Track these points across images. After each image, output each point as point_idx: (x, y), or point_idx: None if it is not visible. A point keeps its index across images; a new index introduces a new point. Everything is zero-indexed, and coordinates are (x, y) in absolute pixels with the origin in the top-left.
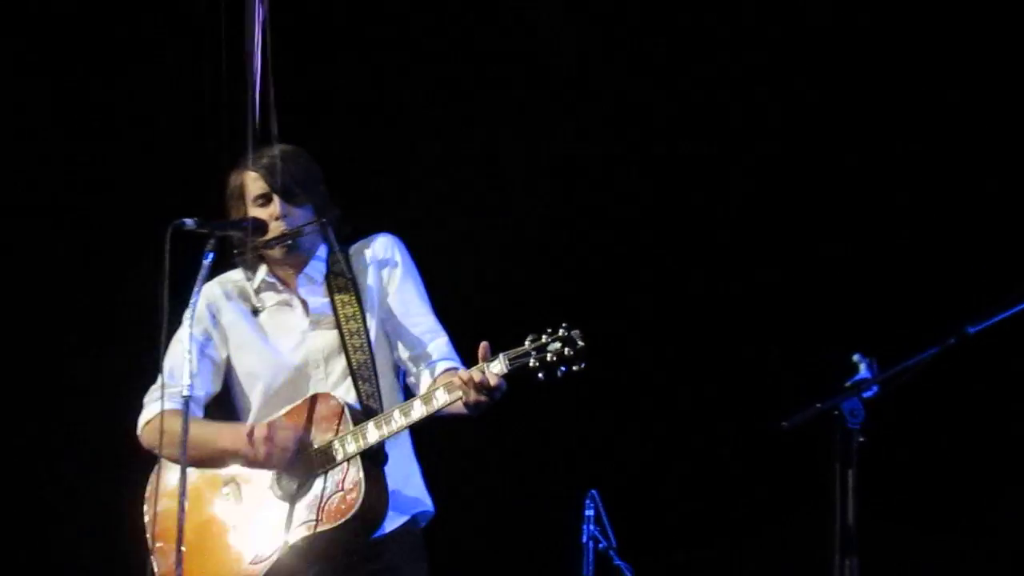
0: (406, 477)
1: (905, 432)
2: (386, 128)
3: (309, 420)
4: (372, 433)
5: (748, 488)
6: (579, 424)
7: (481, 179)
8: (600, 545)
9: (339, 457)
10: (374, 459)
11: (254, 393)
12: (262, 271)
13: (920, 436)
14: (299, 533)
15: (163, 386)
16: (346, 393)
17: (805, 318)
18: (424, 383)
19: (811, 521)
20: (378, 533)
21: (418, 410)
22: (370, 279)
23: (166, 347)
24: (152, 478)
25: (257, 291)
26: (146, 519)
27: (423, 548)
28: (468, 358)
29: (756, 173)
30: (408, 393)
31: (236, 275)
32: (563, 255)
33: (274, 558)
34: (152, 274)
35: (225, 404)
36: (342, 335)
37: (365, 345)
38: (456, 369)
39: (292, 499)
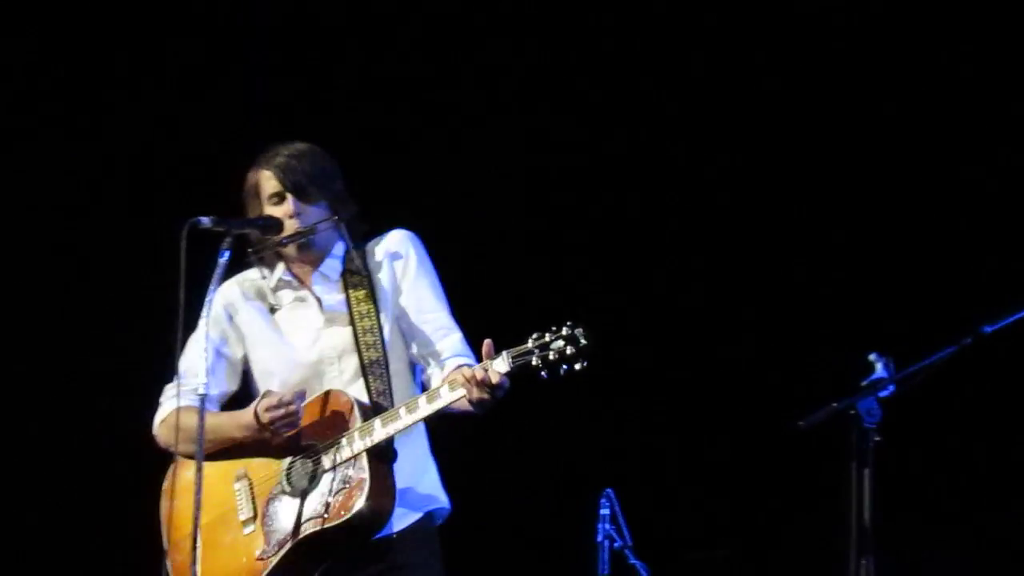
0: (420, 474)
1: (921, 431)
2: (391, 126)
3: (321, 416)
4: (378, 430)
5: (764, 487)
6: (595, 423)
7: (488, 176)
8: (615, 544)
9: (346, 454)
10: (381, 456)
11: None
12: (280, 269)
13: (936, 435)
14: (306, 529)
15: (179, 384)
16: (359, 390)
17: (822, 317)
18: (436, 380)
19: (827, 520)
20: (386, 531)
21: (423, 408)
22: (384, 276)
23: (182, 346)
24: (169, 474)
25: (274, 289)
26: (162, 514)
27: (436, 545)
28: (479, 356)
29: (775, 171)
30: (425, 389)
31: (254, 274)
32: (582, 253)
33: (281, 554)
34: (168, 273)
35: (244, 403)
36: (355, 332)
37: (378, 342)
38: (468, 366)
39: (301, 495)
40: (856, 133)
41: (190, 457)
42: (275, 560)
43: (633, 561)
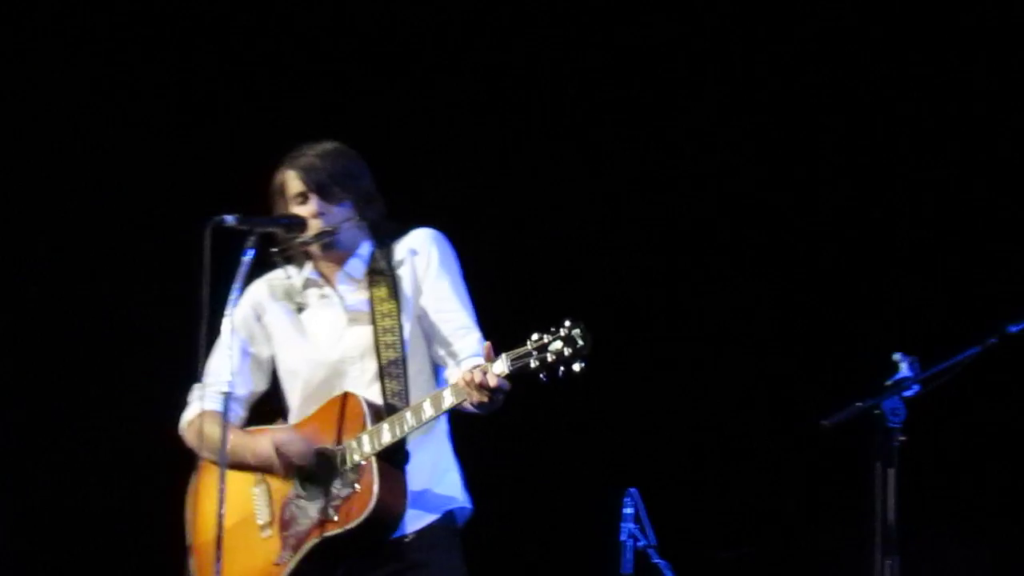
0: (439, 476)
1: (946, 431)
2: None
3: (335, 420)
4: (386, 434)
5: (788, 486)
6: (619, 421)
7: (497, 179)
8: (639, 543)
9: (356, 457)
10: (391, 459)
11: (295, 390)
12: (307, 268)
13: (961, 435)
14: (318, 535)
15: (204, 385)
16: (378, 391)
17: (847, 317)
18: (452, 380)
19: (851, 520)
20: (399, 532)
21: (428, 411)
22: (407, 275)
23: (207, 344)
24: (194, 476)
25: (303, 288)
26: (187, 516)
27: (456, 545)
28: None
29: (801, 167)
30: None
31: (281, 273)
32: (607, 247)
33: (297, 559)
34: (193, 271)
35: (274, 402)
36: (375, 332)
37: (397, 343)
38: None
39: (314, 499)
40: (884, 131)
41: (214, 463)
42: (292, 564)
43: (657, 560)
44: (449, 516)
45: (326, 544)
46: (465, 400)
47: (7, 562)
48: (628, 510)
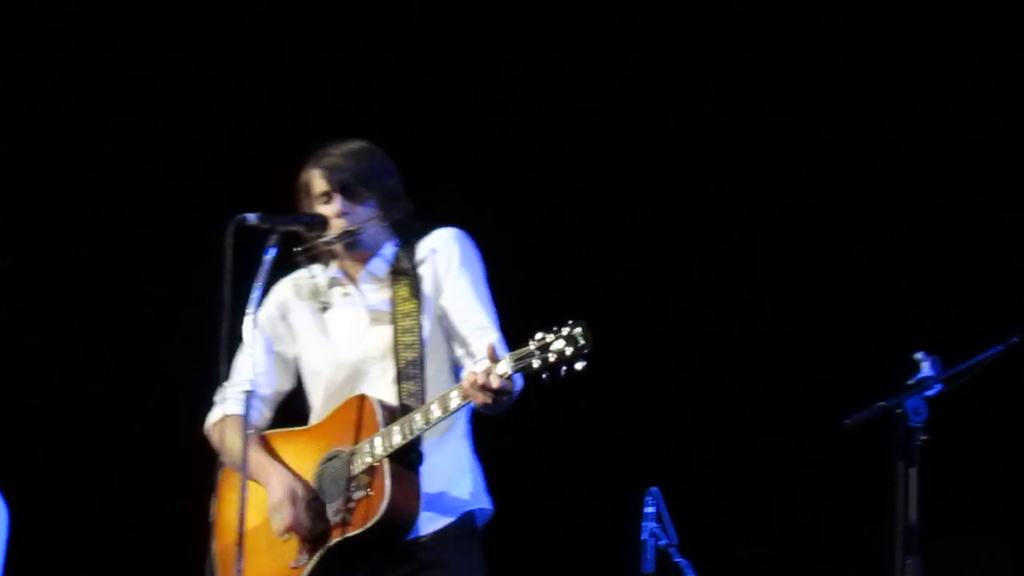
0: (457, 477)
1: (967, 430)
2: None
3: (349, 422)
4: (396, 435)
5: (810, 486)
6: (640, 420)
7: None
8: (660, 542)
9: (369, 460)
10: (403, 461)
11: (317, 390)
12: (333, 267)
13: (982, 434)
14: (332, 538)
15: (227, 387)
16: (397, 393)
17: (869, 316)
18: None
19: (873, 519)
20: (413, 534)
21: (435, 412)
22: (428, 275)
23: (229, 343)
24: (219, 477)
25: (328, 287)
26: (211, 516)
27: (473, 546)
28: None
29: (825, 167)
30: None
31: (308, 272)
32: (624, 248)
33: (313, 562)
34: (216, 270)
35: (300, 402)
36: (395, 332)
37: (416, 343)
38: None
39: (331, 502)
40: (906, 129)
41: (237, 470)
42: (308, 567)
43: (678, 559)
44: (468, 517)
45: (341, 547)
46: (471, 401)
47: (33, 563)
48: (649, 509)
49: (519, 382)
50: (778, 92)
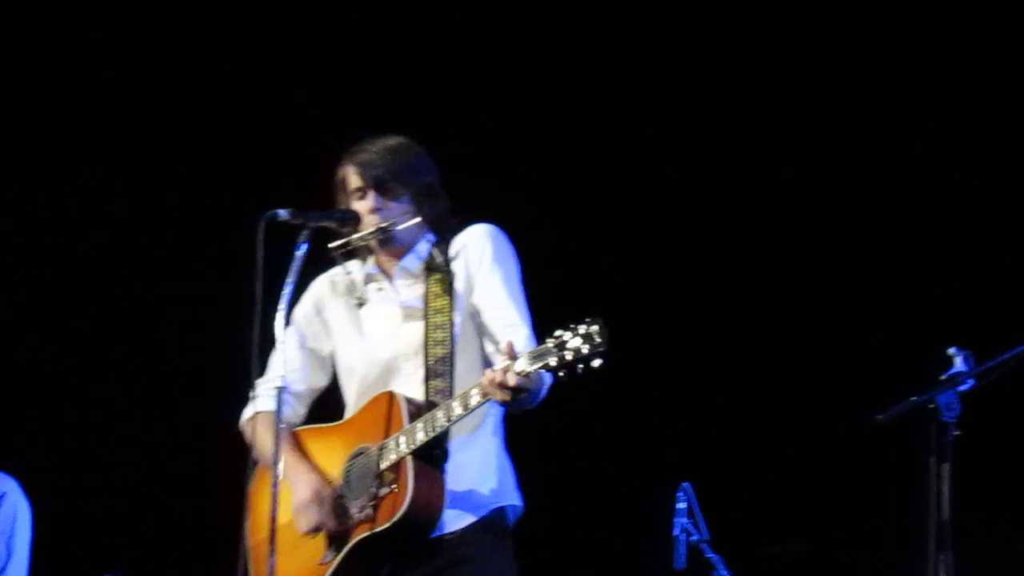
0: (487, 475)
1: (1001, 426)
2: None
3: (376, 419)
4: (419, 432)
5: (842, 481)
6: (672, 416)
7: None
8: (692, 537)
9: (393, 456)
10: (427, 458)
11: (351, 387)
12: (369, 262)
13: (1016, 430)
14: (358, 534)
15: (260, 383)
16: (426, 390)
17: (902, 311)
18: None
19: (906, 514)
20: (438, 531)
21: (457, 409)
22: (461, 271)
23: (261, 339)
24: (252, 475)
25: (364, 283)
26: (245, 513)
27: (503, 542)
28: None
29: (857, 163)
30: None
31: (348, 268)
32: (652, 245)
33: (340, 559)
34: (247, 265)
35: (334, 398)
36: (427, 328)
37: (447, 339)
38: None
39: (357, 499)
40: (941, 126)
41: (270, 466)
42: (335, 564)
43: (710, 555)
44: (497, 514)
45: (367, 543)
46: (491, 398)
47: (65, 560)
48: (681, 505)
49: (547, 379)
50: (799, 86)
